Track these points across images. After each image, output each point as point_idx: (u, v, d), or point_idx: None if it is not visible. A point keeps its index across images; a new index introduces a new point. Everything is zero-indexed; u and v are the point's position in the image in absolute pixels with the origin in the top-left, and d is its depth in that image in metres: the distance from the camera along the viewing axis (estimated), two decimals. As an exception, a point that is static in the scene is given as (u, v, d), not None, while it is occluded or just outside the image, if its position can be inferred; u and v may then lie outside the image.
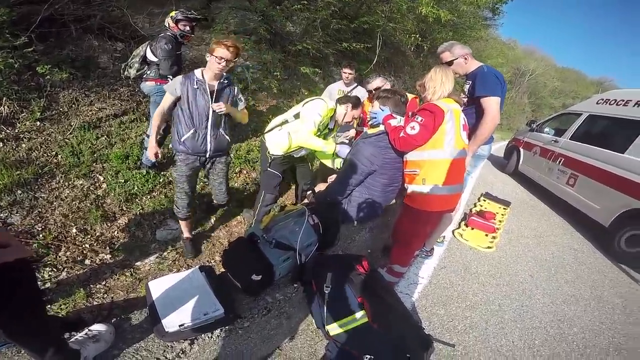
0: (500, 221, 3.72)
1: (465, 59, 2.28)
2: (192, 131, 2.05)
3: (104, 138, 3.20)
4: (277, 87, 4.90)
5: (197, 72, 2.04)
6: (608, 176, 3.75)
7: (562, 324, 2.29)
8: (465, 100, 2.27)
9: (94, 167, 2.90)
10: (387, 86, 2.86)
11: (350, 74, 3.48)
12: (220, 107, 2.03)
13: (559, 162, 4.73)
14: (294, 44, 5.76)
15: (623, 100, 4.18)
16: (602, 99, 4.67)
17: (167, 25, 2.86)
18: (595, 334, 2.25)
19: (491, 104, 2.07)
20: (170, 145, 2.25)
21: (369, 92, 2.84)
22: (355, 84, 3.61)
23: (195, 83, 2.00)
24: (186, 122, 2.05)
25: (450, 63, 2.31)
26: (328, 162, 2.54)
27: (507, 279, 2.74)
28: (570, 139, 4.78)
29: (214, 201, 2.59)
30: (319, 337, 1.83)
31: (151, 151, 2.08)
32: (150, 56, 2.88)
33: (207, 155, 2.16)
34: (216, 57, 1.92)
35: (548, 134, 5.33)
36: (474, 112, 2.23)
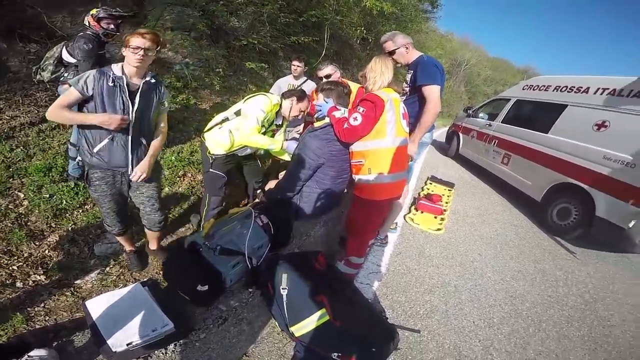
0: (446, 202, 3.96)
1: (407, 48, 2.34)
2: (108, 139, 1.70)
3: (19, 149, 2.82)
4: (220, 84, 4.70)
5: (115, 68, 1.69)
6: (536, 154, 4.18)
7: (515, 300, 2.46)
8: (408, 89, 2.35)
9: (11, 182, 2.57)
10: (337, 74, 2.90)
11: (299, 66, 3.43)
12: (139, 176, 1.76)
13: (494, 143, 5.18)
14: (239, 39, 5.56)
15: (545, 86, 4.68)
16: (527, 85, 5.19)
17: (87, 24, 2.59)
18: (545, 307, 2.43)
19: (432, 91, 2.14)
20: (79, 158, 1.82)
21: (320, 79, 2.84)
22: (305, 78, 3.57)
23: (111, 80, 1.65)
24: (99, 128, 1.66)
25: (392, 52, 2.36)
26: (285, 157, 2.46)
27: (459, 260, 2.90)
28: (501, 122, 5.25)
29: (146, 226, 2.10)
30: (286, 338, 1.79)
31: (114, 120, 1.64)
32: (67, 57, 2.60)
33: (129, 172, 1.80)
34: (132, 47, 1.63)
35: (482, 118, 5.80)
36: (417, 101, 2.30)
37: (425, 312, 2.18)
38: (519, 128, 4.72)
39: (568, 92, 4.15)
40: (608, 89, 3.57)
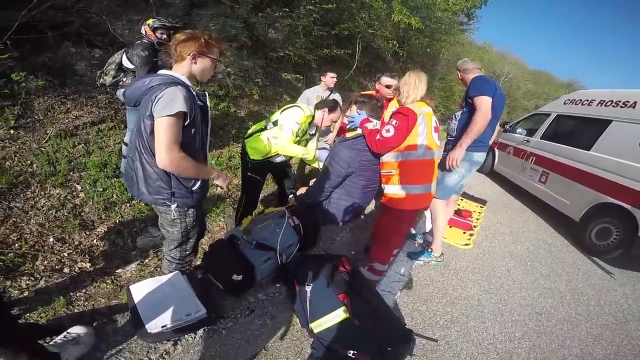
0: (477, 219, 3.87)
1: (464, 71, 2.53)
2: None
3: (81, 146, 3.14)
4: (258, 93, 4.94)
5: (183, 78, 1.45)
6: (576, 173, 3.96)
7: (540, 316, 2.37)
8: (464, 105, 2.46)
9: (71, 175, 2.84)
10: (394, 83, 2.84)
11: (334, 77, 3.58)
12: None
13: (531, 160, 4.95)
14: (276, 51, 5.83)
15: (587, 100, 4.43)
16: (569, 100, 4.92)
17: (143, 33, 2.86)
18: (573, 325, 2.33)
19: (482, 101, 2.19)
20: (174, 206, 1.55)
21: (387, 86, 2.81)
22: (332, 91, 3.70)
23: (197, 97, 1.46)
24: (197, 159, 1.48)
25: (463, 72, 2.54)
26: (316, 165, 2.59)
27: (486, 274, 2.83)
28: (540, 138, 5.01)
29: None
30: (304, 336, 1.85)
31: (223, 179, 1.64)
32: (126, 63, 2.86)
33: None
34: (211, 57, 1.49)
35: (520, 134, 5.57)
36: (467, 112, 2.38)
37: (445, 322, 2.16)
38: (559, 144, 4.49)
39: (613, 107, 3.91)
40: None
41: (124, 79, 2.89)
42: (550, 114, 5.14)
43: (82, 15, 3.86)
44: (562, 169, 4.24)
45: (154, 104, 1.31)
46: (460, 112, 2.51)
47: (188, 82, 1.45)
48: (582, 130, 4.31)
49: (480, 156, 2.45)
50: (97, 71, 3.04)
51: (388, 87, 2.81)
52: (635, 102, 3.61)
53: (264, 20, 5.54)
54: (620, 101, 3.83)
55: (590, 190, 3.70)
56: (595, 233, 3.57)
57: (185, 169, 1.42)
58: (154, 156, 1.38)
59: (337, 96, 3.61)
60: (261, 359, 1.72)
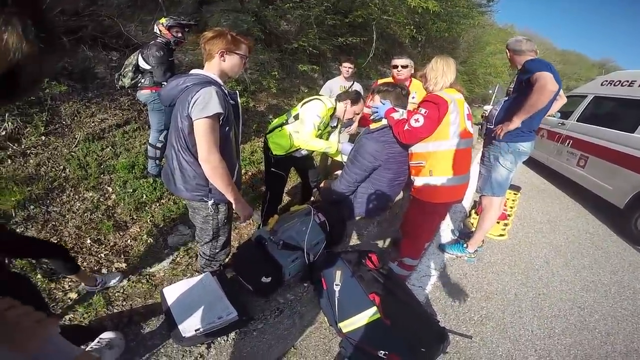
0: (511, 207, 3.67)
1: (515, 52, 2.24)
2: (237, 167, 1.62)
3: (109, 149, 3.23)
4: (276, 86, 4.90)
5: (215, 77, 1.44)
6: (620, 156, 3.70)
7: (582, 311, 2.25)
8: (511, 91, 2.27)
9: (102, 178, 2.93)
10: (411, 66, 2.81)
11: (350, 67, 3.45)
12: None
13: (568, 144, 4.68)
14: (290, 43, 5.75)
15: (628, 81, 4.15)
16: (607, 81, 4.62)
17: (158, 32, 2.85)
18: (617, 320, 2.20)
19: (542, 76, 1.94)
20: (211, 202, 1.58)
21: (395, 67, 2.80)
22: (353, 81, 3.58)
23: (229, 96, 1.46)
24: (232, 157, 1.54)
25: (511, 57, 2.29)
26: (337, 158, 2.51)
27: (522, 267, 2.70)
28: (577, 121, 4.73)
29: None
30: (332, 334, 1.83)
31: (247, 211, 1.63)
32: (142, 64, 2.88)
33: None
34: (240, 54, 1.46)
35: (554, 117, 5.25)
36: (520, 96, 2.14)
37: (480, 318, 2.08)
38: (599, 127, 4.20)
39: None
40: None
41: (142, 80, 2.91)
42: (587, 96, 4.84)
43: (94, 19, 3.90)
44: (603, 152, 3.97)
45: (190, 105, 1.33)
46: (506, 98, 2.30)
47: (220, 81, 1.46)
48: (624, 112, 4.02)
49: (527, 146, 2.25)
50: (115, 74, 3.09)
51: (395, 67, 2.76)
52: None
53: (275, 12, 5.45)
54: None
55: (635, 175, 3.43)
56: None
57: (220, 176, 1.43)
58: (192, 155, 1.42)
59: (358, 86, 3.50)
60: (290, 358, 1.71)
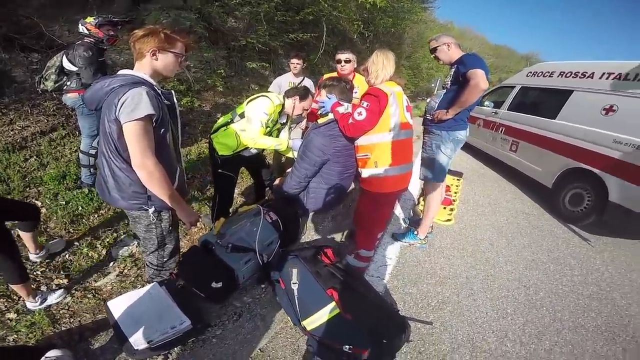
0: (455, 192, 3.93)
1: (448, 46, 2.35)
2: (179, 171, 1.54)
3: (33, 159, 2.90)
4: (222, 85, 4.74)
5: (145, 77, 1.36)
6: (545, 140, 4.14)
7: (528, 290, 2.41)
8: (449, 84, 2.36)
9: (28, 192, 2.65)
10: (353, 60, 2.89)
11: (298, 64, 3.44)
12: None
13: (501, 131, 5.13)
14: (238, 40, 5.58)
15: (549, 72, 4.62)
16: (531, 72, 5.10)
17: (86, 32, 2.63)
18: (560, 297, 2.38)
19: (476, 73, 2.07)
20: (152, 210, 1.48)
21: (338, 62, 2.87)
22: (303, 76, 3.57)
23: (162, 95, 1.39)
24: (171, 160, 1.47)
25: (434, 50, 2.39)
26: (291, 155, 2.48)
27: (470, 250, 2.87)
28: (507, 110, 5.18)
29: None
30: (299, 333, 1.81)
31: (193, 217, 1.56)
32: (68, 66, 2.64)
33: None
34: (174, 52, 1.38)
35: (488, 106, 5.73)
36: (458, 89, 2.27)
37: (437, 303, 2.17)
38: (526, 115, 4.67)
39: (573, 77, 4.09)
40: (613, 73, 3.52)
41: (68, 83, 2.67)
42: (515, 86, 5.31)
43: (9, 19, 3.54)
44: (530, 137, 4.42)
45: (117, 108, 1.23)
46: (444, 90, 2.42)
47: (152, 81, 1.37)
48: (546, 100, 4.50)
49: (462, 134, 2.44)
50: (36, 77, 2.77)
51: (338, 62, 2.85)
52: (593, 73, 3.80)
53: (221, 9, 5.25)
54: (579, 72, 4.02)
55: (559, 156, 3.87)
56: (568, 199, 3.73)
57: (157, 182, 1.33)
58: (125, 161, 1.33)
59: (308, 82, 3.50)
60: (259, 361, 1.67)
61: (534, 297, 2.35)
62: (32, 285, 1.95)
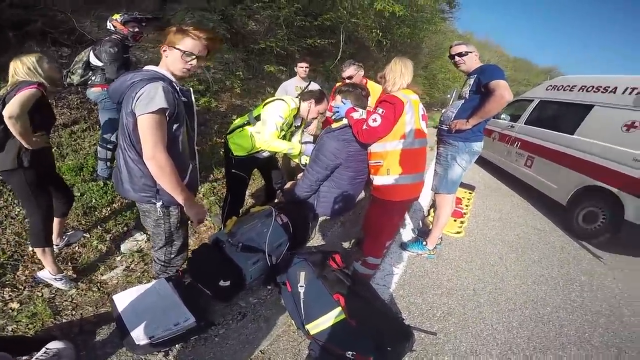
0: (467, 205, 3.87)
1: (476, 55, 2.36)
2: (191, 168, 1.55)
3: (53, 150, 2.98)
4: (240, 86, 4.81)
5: (166, 73, 1.38)
6: (561, 156, 4.01)
7: (536, 304, 2.37)
8: (467, 94, 2.34)
9: None
10: (360, 74, 2.97)
11: (307, 67, 3.48)
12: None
13: (516, 145, 5.02)
14: (257, 43, 5.68)
15: (570, 86, 4.49)
16: (551, 85, 4.99)
17: (112, 28, 2.74)
18: (568, 312, 2.34)
19: (500, 84, 2.06)
20: (159, 204, 1.49)
21: (343, 79, 2.94)
22: (309, 80, 3.61)
23: (180, 92, 1.40)
24: (184, 156, 1.48)
25: (460, 54, 2.37)
26: (303, 160, 2.51)
27: (479, 263, 2.82)
28: (524, 124, 5.07)
29: None
30: (301, 337, 1.80)
31: (200, 214, 1.55)
32: (94, 61, 2.74)
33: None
34: (181, 49, 1.35)
35: (504, 119, 5.63)
36: (479, 99, 2.25)
37: (442, 314, 2.14)
38: (543, 129, 4.56)
39: (594, 92, 3.96)
40: (637, 88, 3.40)
41: (93, 78, 2.76)
42: (533, 100, 5.20)
43: (46, 14, 3.71)
44: (546, 152, 4.30)
45: (134, 101, 1.27)
46: (462, 101, 2.39)
47: (171, 77, 1.39)
48: (566, 115, 4.37)
49: (479, 145, 2.41)
50: (64, 71, 2.88)
51: (349, 78, 2.91)
52: (615, 88, 3.66)
53: (243, 12, 5.37)
54: (601, 86, 3.88)
55: (575, 173, 3.75)
56: (582, 217, 3.62)
57: (167, 176, 1.34)
58: (138, 153, 1.36)
59: (315, 86, 3.53)
60: (259, 363, 1.66)
61: (541, 311, 2.31)
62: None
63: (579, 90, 4.27)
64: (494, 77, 2.11)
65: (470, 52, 2.34)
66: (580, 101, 4.13)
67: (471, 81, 2.33)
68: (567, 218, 3.83)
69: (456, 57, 2.39)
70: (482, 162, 6.34)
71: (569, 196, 3.80)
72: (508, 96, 2.04)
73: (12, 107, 1.59)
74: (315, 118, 2.52)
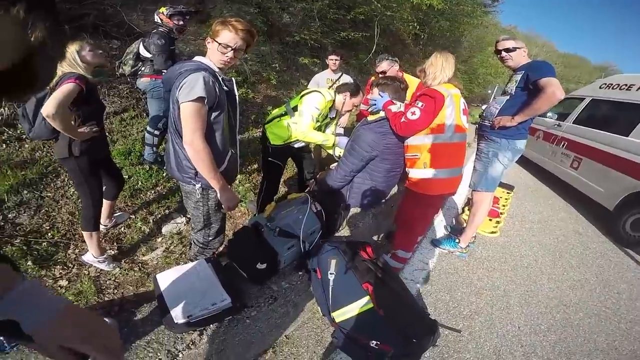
0: (504, 205, 3.71)
1: (524, 50, 2.28)
2: (229, 155, 1.62)
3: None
4: (275, 78, 4.90)
5: (210, 64, 1.45)
6: (612, 159, 3.73)
7: (568, 309, 2.29)
8: (513, 91, 2.26)
9: None
10: (395, 69, 2.94)
11: (337, 59, 3.47)
12: None
13: (563, 145, 4.71)
14: (292, 35, 5.74)
15: (626, 85, 4.16)
16: (605, 84, 4.64)
17: (160, 21, 2.88)
18: (601, 319, 2.24)
19: (551, 82, 2.00)
20: (198, 186, 1.55)
21: (377, 74, 2.94)
22: (341, 73, 3.59)
23: (222, 82, 1.46)
24: (223, 143, 1.54)
25: (508, 50, 2.29)
26: (336, 152, 2.54)
27: (512, 264, 2.74)
28: (573, 123, 4.75)
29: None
30: (325, 325, 1.84)
31: (231, 201, 1.60)
32: (143, 52, 2.91)
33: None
34: (219, 42, 1.39)
35: (551, 118, 5.29)
36: (527, 97, 2.19)
37: (469, 313, 2.11)
38: (594, 130, 4.23)
39: None
40: None
41: (142, 68, 2.93)
42: (584, 98, 4.86)
43: (97, 8, 3.93)
44: (596, 154, 4.00)
45: (178, 90, 1.35)
46: (506, 97, 2.31)
47: (215, 68, 1.45)
48: (620, 116, 4.05)
49: (522, 144, 2.33)
50: (116, 62, 3.09)
51: (383, 73, 2.89)
52: None
53: (278, 4, 5.43)
54: None
55: (627, 178, 3.47)
56: (630, 223, 3.38)
57: (202, 161, 1.42)
58: (181, 138, 1.44)
59: (347, 78, 3.51)
60: (282, 347, 1.72)
61: (572, 316, 2.23)
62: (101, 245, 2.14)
63: (637, 90, 3.93)
64: (544, 74, 2.02)
65: (519, 48, 2.25)
66: (638, 101, 3.80)
67: (518, 77, 2.23)
68: (613, 224, 3.58)
69: (503, 52, 2.30)
70: (523, 161, 6.01)
71: (617, 201, 3.53)
72: (560, 94, 1.96)
73: (48, 106, 1.62)
74: (350, 110, 2.52)
